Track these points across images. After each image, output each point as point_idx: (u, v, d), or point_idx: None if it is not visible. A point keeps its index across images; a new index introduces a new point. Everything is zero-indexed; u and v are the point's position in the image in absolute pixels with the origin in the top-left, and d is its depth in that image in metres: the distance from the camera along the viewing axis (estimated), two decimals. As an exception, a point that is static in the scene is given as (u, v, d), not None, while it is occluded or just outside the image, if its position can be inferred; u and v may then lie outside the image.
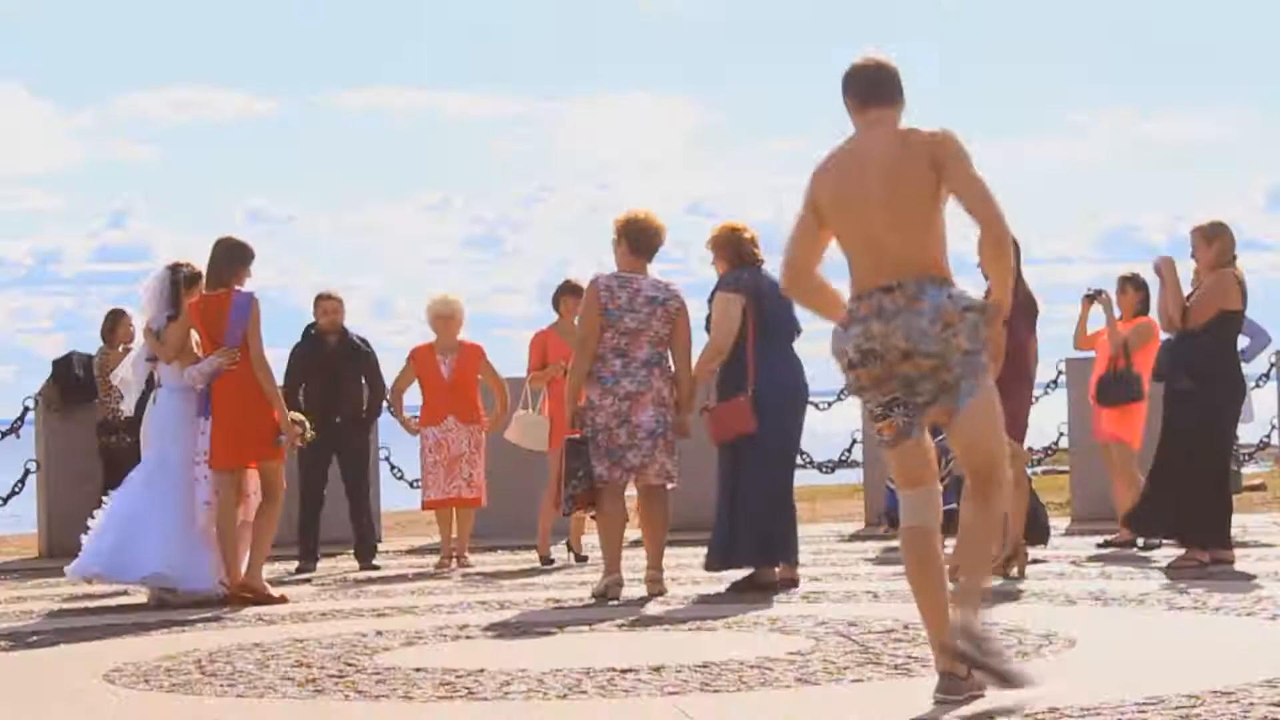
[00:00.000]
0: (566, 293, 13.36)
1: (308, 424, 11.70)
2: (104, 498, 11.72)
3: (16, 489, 16.55)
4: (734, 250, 11.01)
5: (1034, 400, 11.98)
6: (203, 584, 11.12)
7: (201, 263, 11.49)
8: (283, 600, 11.05)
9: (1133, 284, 13.73)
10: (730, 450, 10.89)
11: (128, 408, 12.23)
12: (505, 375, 15.27)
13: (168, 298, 11.51)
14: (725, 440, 10.88)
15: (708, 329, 11.04)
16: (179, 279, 11.54)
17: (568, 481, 10.83)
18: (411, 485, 16.88)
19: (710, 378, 11.21)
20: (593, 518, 11.34)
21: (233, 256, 11.33)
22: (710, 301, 11.02)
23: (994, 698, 6.50)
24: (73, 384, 15.92)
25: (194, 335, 11.41)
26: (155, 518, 11.15)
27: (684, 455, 11.41)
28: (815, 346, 11.80)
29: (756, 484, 10.76)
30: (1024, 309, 11.35)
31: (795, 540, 11.07)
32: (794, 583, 10.83)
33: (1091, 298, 13.53)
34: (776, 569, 10.91)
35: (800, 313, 10.86)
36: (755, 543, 10.77)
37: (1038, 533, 12.18)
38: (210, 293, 11.33)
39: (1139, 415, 13.53)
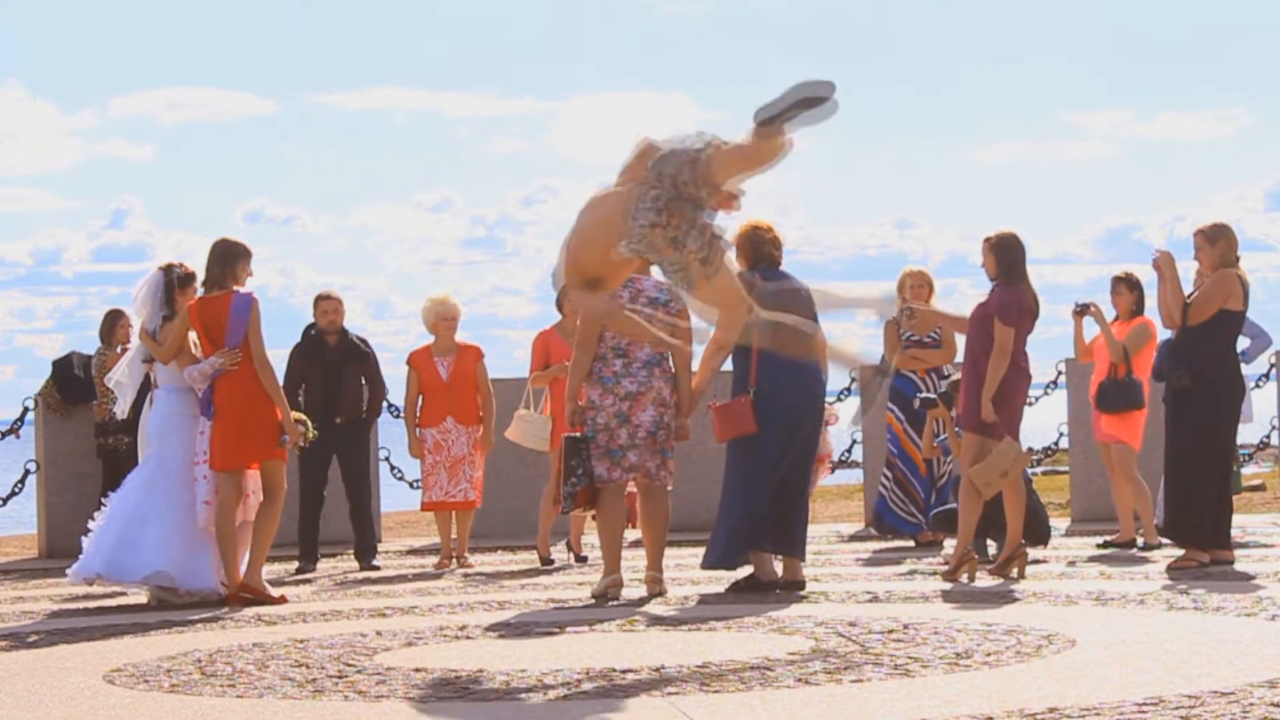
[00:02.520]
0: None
1: (310, 424, 11.71)
2: (103, 499, 11.72)
3: (16, 489, 16.54)
4: (753, 249, 11.00)
5: (1033, 401, 11.98)
6: (204, 583, 11.12)
7: (199, 263, 11.50)
8: (282, 600, 11.06)
9: (1127, 284, 13.74)
10: (736, 448, 10.86)
11: (120, 410, 12.20)
12: (505, 375, 15.24)
13: (162, 298, 11.51)
14: (729, 439, 10.87)
15: None
16: (172, 279, 11.54)
17: (566, 479, 10.82)
18: (412, 485, 16.89)
19: (714, 375, 11.20)
20: (592, 517, 11.33)
21: (229, 257, 11.32)
22: None
23: (994, 698, 6.51)
24: (73, 384, 15.91)
25: (192, 336, 11.41)
26: (156, 517, 11.15)
27: (684, 456, 11.40)
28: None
29: (760, 481, 10.73)
30: (1031, 311, 11.36)
31: (801, 536, 11.01)
32: (799, 585, 10.80)
33: (1081, 312, 13.59)
34: (778, 568, 10.91)
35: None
36: (747, 534, 10.73)
37: (1038, 534, 12.18)
38: (209, 294, 11.34)
39: (1139, 417, 13.54)
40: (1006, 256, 11.34)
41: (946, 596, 10.22)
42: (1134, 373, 13.42)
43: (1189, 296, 11.80)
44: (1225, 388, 11.75)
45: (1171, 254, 11.78)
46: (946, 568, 11.30)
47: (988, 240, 11.41)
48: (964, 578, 11.00)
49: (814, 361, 11.01)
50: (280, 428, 11.23)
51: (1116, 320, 13.71)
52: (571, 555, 13.60)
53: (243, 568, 11.20)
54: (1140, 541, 13.28)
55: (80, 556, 11.29)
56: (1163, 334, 12.91)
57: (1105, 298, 13.83)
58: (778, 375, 10.79)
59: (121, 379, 11.82)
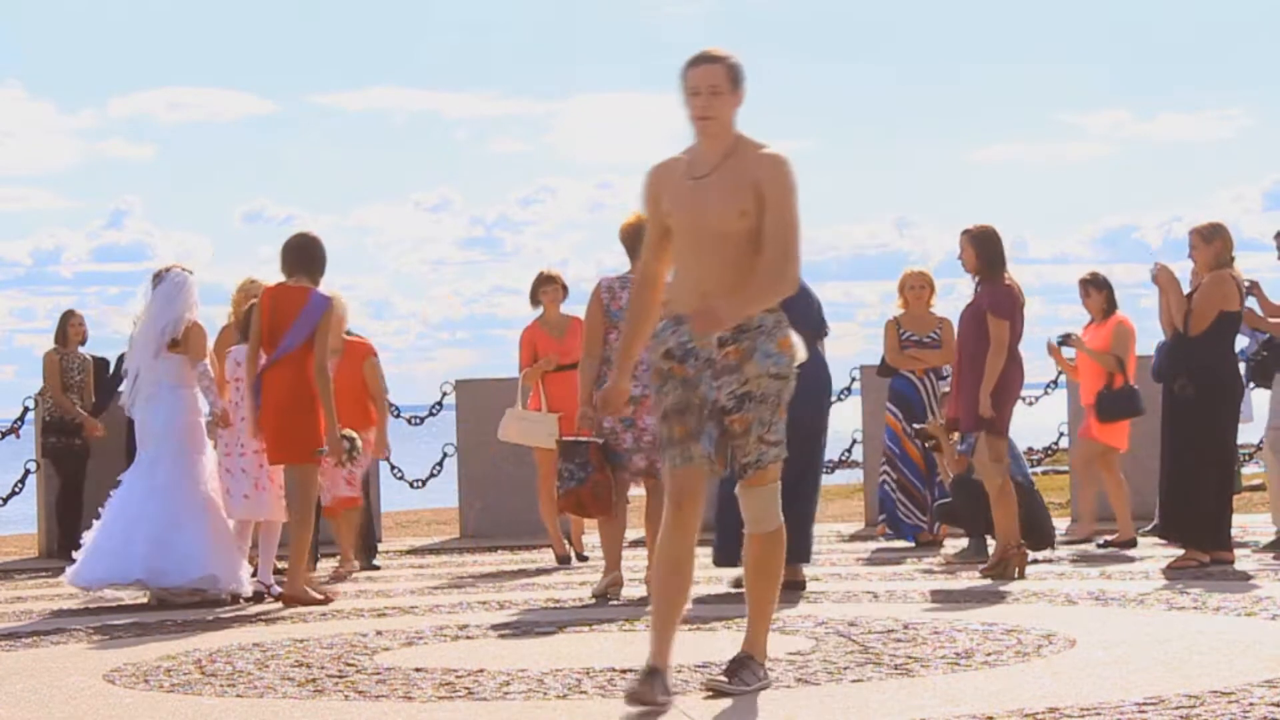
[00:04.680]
0: (543, 283, 13.29)
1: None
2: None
3: (16, 489, 16.55)
4: None
5: (1033, 401, 11.98)
6: (239, 585, 11.07)
7: (200, 262, 11.48)
8: (330, 599, 10.95)
9: (1095, 285, 13.88)
10: None
11: (126, 392, 11.98)
12: (505, 375, 15.18)
13: (191, 300, 11.37)
14: None
15: None
16: (194, 281, 11.48)
17: (561, 482, 10.81)
18: (412, 485, 16.91)
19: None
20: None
21: (321, 259, 10.96)
22: None
23: (994, 698, 6.51)
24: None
25: (211, 359, 11.38)
26: (189, 520, 11.05)
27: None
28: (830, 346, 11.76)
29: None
30: (1020, 306, 11.38)
31: (805, 540, 10.97)
32: (800, 585, 10.78)
33: (1060, 345, 13.76)
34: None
35: (826, 313, 10.92)
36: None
37: (1041, 537, 12.17)
38: (288, 284, 10.93)
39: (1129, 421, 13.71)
40: (988, 249, 11.36)
41: (946, 596, 10.22)
42: (1130, 381, 13.50)
43: (1187, 297, 11.79)
44: (1224, 389, 11.75)
45: (1170, 267, 11.78)
46: (985, 565, 11.31)
47: (967, 232, 11.39)
48: (1015, 572, 11.07)
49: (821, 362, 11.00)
50: (320, 437, 10.89)
51: (1091, 324, 13.78)
52: (573, 552, 13.60)
53: (250, 569, 11.21)
54: (1140, 541, 13.29)
55: (79, 558, 11.19)
56: (1142, 331, 13.01)
57: (1079, 337, 13.89)
58: (800, 383, 10.74)
59: (129, 366, 11.69)
